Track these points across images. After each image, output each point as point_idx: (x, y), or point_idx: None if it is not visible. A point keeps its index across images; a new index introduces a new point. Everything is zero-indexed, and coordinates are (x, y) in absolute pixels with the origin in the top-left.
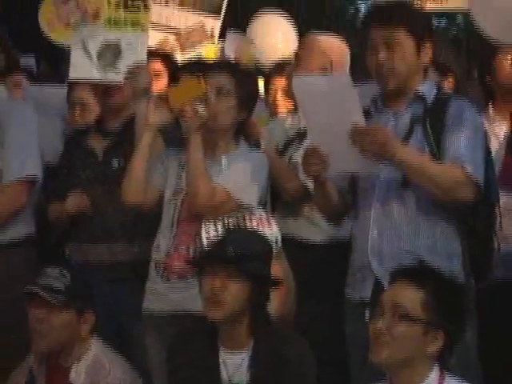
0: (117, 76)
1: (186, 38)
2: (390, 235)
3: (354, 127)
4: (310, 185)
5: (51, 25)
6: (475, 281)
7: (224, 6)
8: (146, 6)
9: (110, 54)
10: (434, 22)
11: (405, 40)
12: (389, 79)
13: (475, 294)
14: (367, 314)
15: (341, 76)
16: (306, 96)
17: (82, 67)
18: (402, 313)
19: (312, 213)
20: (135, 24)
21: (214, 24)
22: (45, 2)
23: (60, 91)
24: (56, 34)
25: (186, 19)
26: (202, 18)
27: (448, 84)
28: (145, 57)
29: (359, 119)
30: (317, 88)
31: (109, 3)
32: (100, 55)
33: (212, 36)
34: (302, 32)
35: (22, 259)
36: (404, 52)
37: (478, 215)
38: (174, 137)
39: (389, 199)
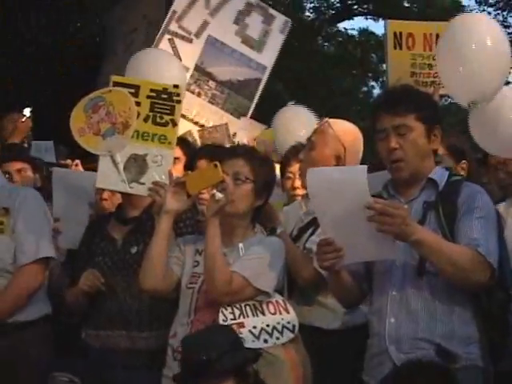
0: (141, 189)
1: (208, 133)
2: (406, 322)
3: (372, 204)
4: (324, 272)
5: (81, 131)
6: (493, 365)
7: (250, 111)
8: (174, 123)
9: (137, 166)
10: (447, 100)
11: (416, 127)
12: (402, 167)
13: (494, 378)
14: None
15: (358, 168)
16: (320, 187)
17: (109, 177)
18: None
19: (327, 299)
20: (162, 139)
21: (237, 127)
22: (77, 107)
23: (88, 175)
24: (85, 140)
25: (213, 115)
26: (227, 118)
27: (461, 170)
28: (169, 171)
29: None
30: (331, 179)
31: (138, 116)
32: (126, 167)
33: (232, 137)
34: (315, 112)
35: (37, 338)
36: (415, 138)
37: (493, 299)
38: (190, 224)
39: (405, 286)
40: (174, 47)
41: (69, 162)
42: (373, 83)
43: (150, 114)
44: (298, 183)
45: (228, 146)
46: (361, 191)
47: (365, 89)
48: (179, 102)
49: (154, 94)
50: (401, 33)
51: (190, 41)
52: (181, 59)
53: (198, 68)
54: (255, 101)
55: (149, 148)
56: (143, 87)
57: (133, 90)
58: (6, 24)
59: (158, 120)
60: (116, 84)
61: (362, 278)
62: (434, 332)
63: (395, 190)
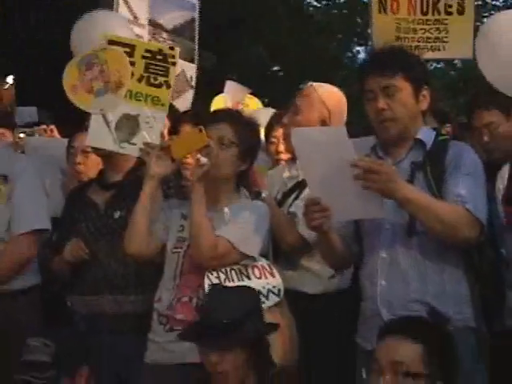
0: (132, 149)
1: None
2: (397, 283)
3: (357, 161)
4: (308, 236)
5: (74, 89)
6: (487, 326)
7: (197, 54)
8: (168, 85)
9: (128, 126)
10: (432, 65)
11: (403, 87)
12: (390, 127)
13: (488, 339)
14: (363, 372)
15: (337, 128)
16: (305, 147)
17: (100, 136)
18: (405, 371)
19: (311, 264)
20: (155, 100)
21: (192, 71)
22: (70, 64)
23: (59, 142)
24: (77, 98)
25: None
26: (183, 65)
27: (446, 132)
28: (161, 133)
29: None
30: (315, 139)
31: (132, 76)
32: (118, 126)
33: (191, 82)
34: (300, 79)
35: (27, 307)
36: (403, 99)
37: (484, 257)
38: (176, 187)
39: (394, 247)
40: (129, 7)
41: (42, 127)
42: (358, 48)
43: (145, 74)
44: (281, 147)
45: (190, 91)
46: (345, 150)
47: (350, 54)
48: (174, 63)
49: (149, 55)
50: None
51: None
52: (137, 17)
53: (151, 22)
54: (197, 42)
55: (141, 109)
56: (138, 47)
57: (128, 50)
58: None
59: (152, 81)
60: (111, 42)
61: (351, 240)
62: (426, 292)
63: (383, 152)
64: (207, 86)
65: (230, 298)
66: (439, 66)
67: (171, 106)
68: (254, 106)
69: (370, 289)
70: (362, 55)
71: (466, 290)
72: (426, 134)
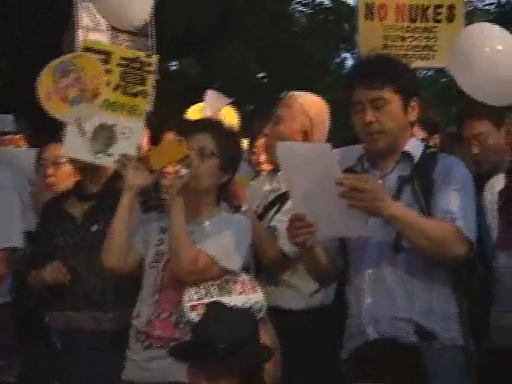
0: (108, 161)
1: None
2: (384, 301)
3: (342, 180)
4: (289, 250)
5: (48, 96)
6: (476, 344)
7: (154, 51)
8: (145, 94)
9: (105, 137)
10: (422, 73)
11: (392, 99)
12: (378, 139)
13: (476, 358)
14: None
15: (322, 145)
16: (290, 162)
17: (75, 146)
18: None
19: (292, 279)
20: (132, 110)
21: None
22: (45, 70)
23: (26, 152)
24: (52, 106)
25: None
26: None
27: (434, 143)
28: (138, 144)
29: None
30: (299, 154)
31: (108, 85)
32: (94, 137)
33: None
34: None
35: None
36: (392, 111)
37: (473, 273)
38: (155, 200)
39: (381, 264)
40: (89, 14)
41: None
42: (346, 54)
43: (121, 83)
44: (262, 158)
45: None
46: (330, 167)
47: (337, 60)
48: (151, 72)
49: (125, 63)
50: (373, 3)
51: None
52: (98, 23)
53: (110, 25)
54: (154, 38)
55: (118, 119)
56: (115, 54)
57: (103, 57)
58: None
59: (129, 90)
60: (87, 49)
61: (336, 254)
62: (412, 310)
63: (370, 163)
64: (191, 94)
65: (227, 320)
66: (430, 73)
67: (152, 115)
68: (231, 118)
69: (356, 305)
70: (349, 61)
71: (454, 307)
72: (414, 147)
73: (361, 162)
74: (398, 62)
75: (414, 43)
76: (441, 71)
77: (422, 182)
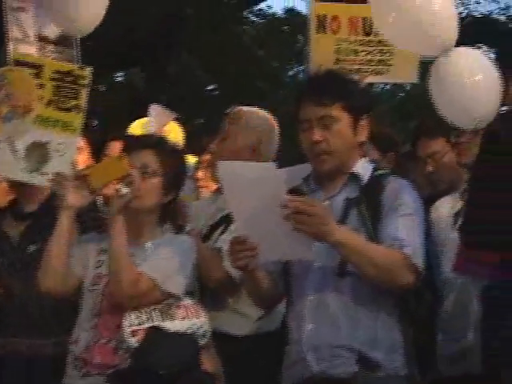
0: (41, 180)
1: None
2: (326, 328)
3: (288, 202)
4: (235, 273)
5: None
6: (420, 374)
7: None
8: (79, 109)
9: (38, 155)
10: (379, 87)
11: (341, 117)
12: (325, 160)
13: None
14: None
15: (266, 165)
16: (232, 182)
17: (8, 165)
18: None
19: (238, 303)
20: (66, 126)
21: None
22: None
23: None
24: None
25: None
26: None
27: (388, 163)
28: (72, 162)
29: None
30: (243, 174)
31: (40, 100)
32: (27, 155)
33: None
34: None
35: None
36: (340, 130)
37: (420, 301)
38: (94, 220)
39: (324, 289)
40: (18, 25)
41: None
42: (301, 67)
43: (54, 98)
44: (207, 175)
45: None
46: (275, 187)
47: (291, 73)
48: (85, 85)
49: (57, 76)
50: (325, 15)
51: (24, 10)
52: (27, 35)
53: (38, 37)
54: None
55: (51, 135)
56: (47, 67)
57: (35, 70)
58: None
59: (62, 105)
60: (18, 63)
61: (279, 277)
62: (356, 338)
63: (316, 184)
64: (137, 106)
65: (168, 346)
66: (387, 87)
67: (94, 130)
68: (176, 134)
69: (297, 332)
70: (304, 75)
71: (399, 336)
72: (363, 168)
73: (307, 183)
74: (349, 79)
75: (368, 57)
76: (399, 85)
77: (369, 205)
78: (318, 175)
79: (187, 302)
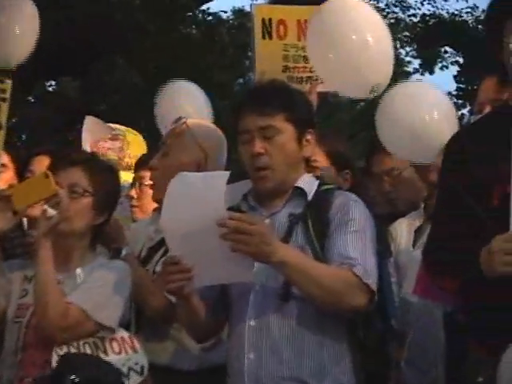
0: None
1: None
2: (269, 358)
3: (225, 221)
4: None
5: None
6: None
7: None
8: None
9: None
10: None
11: (285, 129)
12: (266, 178)
13: None
14: None
15: (217, 175)
16: (176, 196)
17: None
18: None
19: (181, 334)
20: None
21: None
22: None
23: None
24: None
25: None
26: None
27: (344, 181)
28: None
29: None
30: (190, 187)
31: None
32: None
33: None
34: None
35: None
36: (283, 143)
37: (370, 329)
38: (18, 245)
39: (265, 314)
40: None
41: None
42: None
43: None
44: (133, 192)
45: None
46: (215, 203)
47: (241, 80)
48: (5, 100)
49: None
50: (270, 19)
51: None
52: None
53: None
54: None
55: None
56: None
57: None
58: None
59: None
60: None
61: (217, 305)
62: (302, 369)
63: (256, 201)
64: (71, 118)
65: (85, 367)
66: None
67: (22, 146)
68: (137, 146)
69: (237, 362)
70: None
71: (349, 365)
72: (307, 183)
73: (246, 200)
74: (294, 90)
75: None
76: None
77: (315, 221)
78: (258, 192)
79: (122, 334)
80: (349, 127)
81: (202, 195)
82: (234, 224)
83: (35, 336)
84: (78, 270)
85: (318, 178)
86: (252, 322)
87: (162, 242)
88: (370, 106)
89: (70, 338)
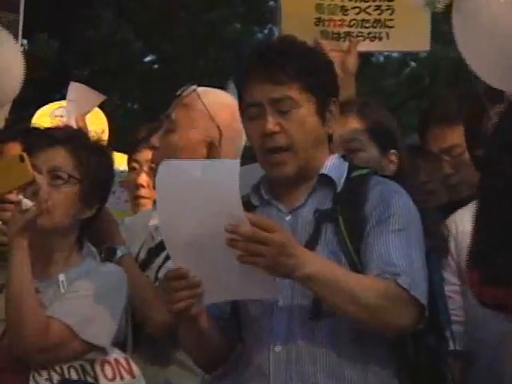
0: None
1: None
2: None
3: (236, 228)
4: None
5: None
6: None
7: (20, 27)
8: None
9: None
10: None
11: (303, 99)
12: (283, 162)
13: None
14: None
15: (227, 163)
16: (171, 191)
17: None
18: None
19: (187, 356)
20: None
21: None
22: None
23: None
24: None
25: None
26: None
27: (389, 163)
28: None
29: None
30: (189, 180)
31: None
32: None
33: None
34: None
35: None
36: (303, 117)
37: (421, 346)
38: None
39: (293, 337)
40: None
41: None
42: (274, 28)
43: None
44: (144, 179)
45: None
46: (227, 201)
47: (260, 36)
48: None
49: None
50: None
51: None
52: None
53: None
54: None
55: None
56: None
57: None
58: None
59: None
60: None
61: (228, 324)
62: None
63: (272, 194)
64: (47, 86)
65: None
66: (394, 56)
67: None
68: (99, 124)
69: None
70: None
71: None
72: (336, 168)
73: (258, 192)
74: (313, 49)
75: (361, 17)
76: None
77: (348, 218)
78: (274, 182)
79: (116, 355)
80: (395, 95)
81: (208, 191)
82: (247, 232)
83: (8, 358)
84: (62, 276)
85: (344, 158)
86: (277, 348)
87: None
88: (422, 68)
89: (51, 360)
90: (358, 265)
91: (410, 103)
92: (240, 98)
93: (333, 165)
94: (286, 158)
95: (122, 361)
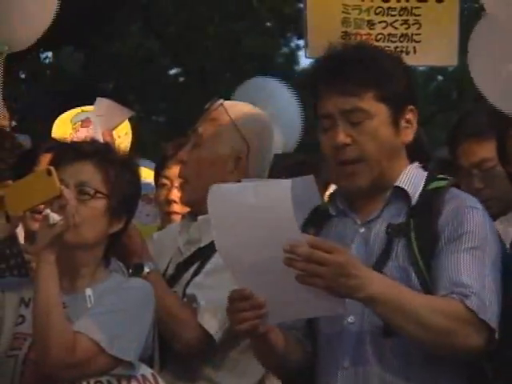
0: None
1: None
2: None
3: (294, 248)
4: (216, 331)
5: None
6: None
7: None
8: None
9: None
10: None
11: (376, 110)
12: (356, 174)
13: None
14: None
15: (279, 185)
16: (227, 215)
17: None
18: None
19: (219, 374)
20: None
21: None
22: None
23: None
24: None
25: None
26: None
27: None
28: None
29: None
30: (243, 203)
31: None
32: None
33: None
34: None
35: None
36: (376, 129)
37: (498, 360)
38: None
39: (363, 354)
40: None
41: None
42: (298, 42)
43: None
44: (175, 194)
45: None
46: (284, 222)
47: (286, 50)
48: None
49: None
50: None
51: None
52: None
53: None
54: None
55: None
56: None
57: None
58: None
59: None
60: None
61: (302, 334)
62: None
63: (347, 205)
64: (71, 99)
65: None
66: (421, 69)
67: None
68: (127, 137)
69: None
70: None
71: None
72: (413, 178)
73: (334, 203)
74: (386, 55)
75: (388, 31)
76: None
77: (420, 234)
78: (348, 193)
79: (144, 371)
80: (422, 109)
81: (263, 215)
82: (305, 252)
83: (34, 374)
84: (88, 291)
85: (425, 168)
86: (346, 364)
87: (193, 257)
88: (450, 82)
89: (78, 376)
90: (427, 282)
91: (438, 117)
92: (315, 109)
93: (409, 176)
94: (358, 170)
95: (149, 376)
